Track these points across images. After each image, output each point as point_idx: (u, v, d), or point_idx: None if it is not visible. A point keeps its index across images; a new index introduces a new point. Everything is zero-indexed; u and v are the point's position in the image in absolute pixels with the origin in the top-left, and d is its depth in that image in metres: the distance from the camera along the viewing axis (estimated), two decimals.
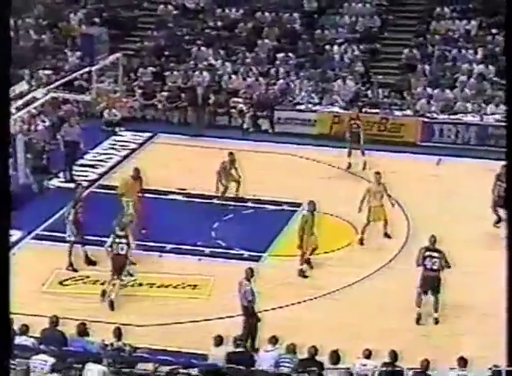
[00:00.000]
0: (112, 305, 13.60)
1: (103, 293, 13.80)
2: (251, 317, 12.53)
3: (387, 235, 16.08)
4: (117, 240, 13.87)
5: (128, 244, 13.86)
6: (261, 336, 12.37)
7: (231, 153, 17.44)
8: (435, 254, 13.42)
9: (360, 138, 19.38)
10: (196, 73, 24.06)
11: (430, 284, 13.41)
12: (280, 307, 13.63)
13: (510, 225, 6.22)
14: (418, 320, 13.44)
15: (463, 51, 24.08)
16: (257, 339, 12.41)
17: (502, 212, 15.66)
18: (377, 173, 16.16)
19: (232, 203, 17.50)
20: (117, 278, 13.78)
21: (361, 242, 15.92)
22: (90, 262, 14.86)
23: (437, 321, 13.43)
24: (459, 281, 14.18)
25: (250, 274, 12.67)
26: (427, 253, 13.48)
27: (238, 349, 11.09)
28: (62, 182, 18.64)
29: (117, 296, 13.78)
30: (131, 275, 14.38)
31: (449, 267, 13.54)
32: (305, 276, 14.73)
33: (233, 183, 17.37)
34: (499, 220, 15.97)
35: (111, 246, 13.88)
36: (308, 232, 14.72)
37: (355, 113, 20.33)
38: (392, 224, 16.38)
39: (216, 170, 17.36)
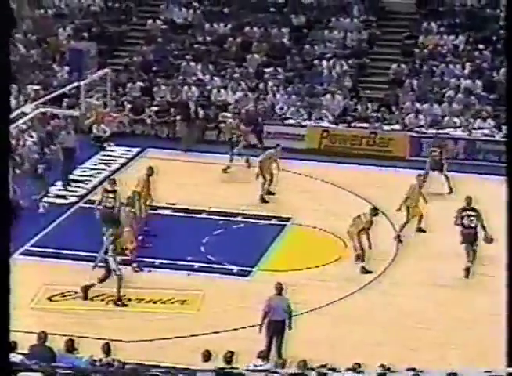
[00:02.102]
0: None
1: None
2: (281, 333, 12.43)
3: (421, 230, 16.66)
4: None
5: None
6: (251, 351, 12.36)
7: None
8: (472, 213, 15.03)
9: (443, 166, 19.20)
10: (185, 88, 24.14)
11: (469, 240, 14.90)
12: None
13: (510, 227, 6.44)
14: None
15: (451, 66, 24.26)
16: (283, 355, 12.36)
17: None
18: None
19: (222, 217, 17.52)
20: None
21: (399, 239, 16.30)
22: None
23: (468, 272, 14.83)
24: (445, 297, 14.24)
25: (280, 289, 12.64)
26: (464, 213, 15.07)
27: (228, 366, 11.08)
28: (59, 190, 18.69)
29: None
30: None
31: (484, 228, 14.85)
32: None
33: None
34: None
35: None
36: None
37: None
38: (381, 239, 16.45)
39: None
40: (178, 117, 22.64)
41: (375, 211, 15.74)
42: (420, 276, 15.27)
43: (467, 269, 15.06)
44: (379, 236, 16.52)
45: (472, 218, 15.06)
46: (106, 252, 14.17)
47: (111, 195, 15.95)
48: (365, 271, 15.38)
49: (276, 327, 12.45)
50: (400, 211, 16.58)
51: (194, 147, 21.58)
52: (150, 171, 16.70)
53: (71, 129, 19.95)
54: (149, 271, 15.33)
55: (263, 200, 18.14)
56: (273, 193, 18.49)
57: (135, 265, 15.16)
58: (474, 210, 15.19)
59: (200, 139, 22.64)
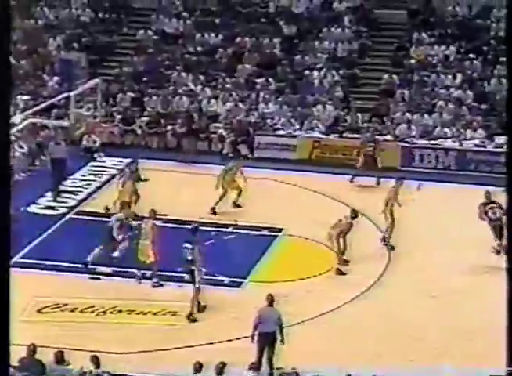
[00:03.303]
0: None
1: None
2: (272, 344, 12.41)
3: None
4: None
5: None
6: (243, 362, 12.33)
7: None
8: (494, 205, 15.78)
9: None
10: (176, 98, 24.15)
11: (498, 231, 15.59)
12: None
13: (510, 226, 6.68)
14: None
15: (442, 76, 24.36)
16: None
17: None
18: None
19: (213, 228, 17.51)
20: None
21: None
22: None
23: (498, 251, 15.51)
24: (439, 306, 14.25)
25: (271, 300, 12.65)
26: (487, 207, 15.86)
27: None
28: (49, 201, 18.65)
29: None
30: None
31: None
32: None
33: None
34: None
35: None
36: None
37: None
38: (372, 249, 16.46)
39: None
40: (183, 129, 22.50)
41: (354, 213, 15.90)
42: (413, 285, 15.28)
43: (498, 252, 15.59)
44: (372, 246, 16.54)
45: (495, 210, 15.77)
46: (192, 263, 14.07)
47: None
48: (340, 272, 15.60)
49: (267, 338, 12.42)
50: (384, 215, 16.72)
51: (197, 159, 21.52)
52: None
53: (61, 140, 19.89)
54: (140, 282, 15.27)
55: (214, 212, 17.94)
56: (240, 206, 18.35)
57: (155, 280, 15.14)
58: (494, 202, 15.85)
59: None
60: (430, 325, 13.98)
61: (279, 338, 12.44)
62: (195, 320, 14.03)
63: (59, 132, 22.43)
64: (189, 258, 14.28)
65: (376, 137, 21.11)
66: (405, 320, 14.17)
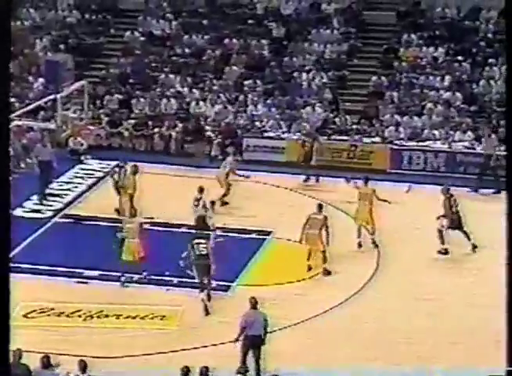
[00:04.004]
0: None
1: None
2: (259, 347, 12.43)
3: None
4: None
5: None
6: (230, 367, 12.32)
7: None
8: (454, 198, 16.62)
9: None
10: (164, 100, 24.13)
11: (457, 223, 16.54)
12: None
13: (510, 227, 6.71)
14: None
15: (431, 78, 24.45)
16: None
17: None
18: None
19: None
20: None
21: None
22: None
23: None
24: (429, 309, 14.31)
25: (255, 302, 12.69)
26: (452, 199, 16.62)
27: None
28: (35, 204, 18.59)
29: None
30: None
31: None
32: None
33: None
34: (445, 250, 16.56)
35: None
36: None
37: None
38: (363, 251, 16.50)
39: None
40: (219, 138, 22.42)
41: (320, 206, 16.10)
42: (403, 289, 15.32)
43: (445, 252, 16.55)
44: (359, 248, 16.57)
45: (457, 203, 16.66)
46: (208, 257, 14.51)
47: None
48: (327, 273, 15.69)
49: (254, 341, 12.42)
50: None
51: (204, 163, 21.52)
52: (135, 168, 17.54)
53: (47, 142, 19.84)
54: (127, 286, 15.25)
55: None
56: (227, 203, 18.66)
57: (145, 273, 15.29)
58: (453, 196, 16.72)
59: (179, 151, 22.62)
60: (421, 328, 14.01)
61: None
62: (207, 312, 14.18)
63: (45, 135, 22.39)
64: (204, 252, 14.52)
65: (316, 135, 21.24)
66: (395, 324, 14.19)
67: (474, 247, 16.55)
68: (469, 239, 16.54)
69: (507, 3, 7.02)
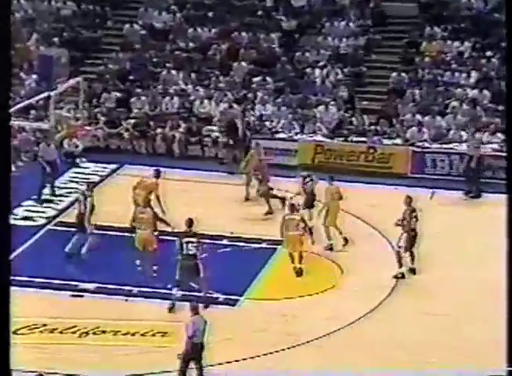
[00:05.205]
0: None
1: None
2: (201, 355, 12.55)
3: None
4: None
5: None
6: None
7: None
8: (415, 213, 16.08)
9: None
10: (166, 99, 24.16)
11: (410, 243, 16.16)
12: (257, 357, 13.55)
13: (510, 222, 7.09)
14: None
15: (456, 74, 24.40)
16: None
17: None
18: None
19: (206, 241, 17.47)
20: None
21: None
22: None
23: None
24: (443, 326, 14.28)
25: (196, 307, 12.83)
26: (414, 214, 16.08)
27: None
28: (26, 211, 18.69)
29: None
30: None
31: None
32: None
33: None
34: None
35: None
36: None
37: None
38: (383, 263, 16.45)
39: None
40: (225, 139, 22.39)
41: (293, 206, 16.40)
42: (417, 306, 15.24)
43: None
44: (381, 258, 16.52)
45: (416, 218, 16.09)
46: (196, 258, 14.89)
47: None
48: (300, 272, 16.00)
49: (198, 349, 12.55)
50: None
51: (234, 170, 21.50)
52: (157, 172, 17.79)
53: (51, 141, 20.08)
54: (126, 300, 15.27)
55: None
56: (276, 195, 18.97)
57: (155, 268, 15.56)
58: (415, 210, 16.16)
59: (183, 154, 22.64)
60: (437, 347, 13.93)
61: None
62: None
63: (37, 135, 22.44)
64: (192, 252, 14.69)
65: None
66: (411, 342, 14.13)
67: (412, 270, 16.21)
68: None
69: (508, 3, 7.15)
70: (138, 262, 15.94)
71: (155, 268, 15.63)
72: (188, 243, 14.79)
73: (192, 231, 15.09)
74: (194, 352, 12.51)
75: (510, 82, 6.93)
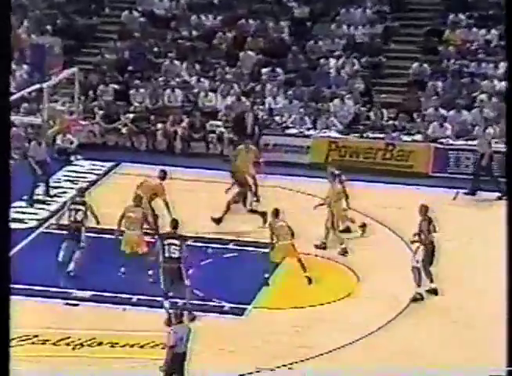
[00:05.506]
0: None
1: None
2: (182, 367, 12.56)
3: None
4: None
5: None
6: None
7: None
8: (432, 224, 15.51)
9: None
10: (167, 91, 24.18)
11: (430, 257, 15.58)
12: (264, 371, 13.55)
13: (510, 223, 7.26)
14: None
15: (483, 65, 24.36)
16: None
17: None
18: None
19: (211, 245, 17.48)
20: None
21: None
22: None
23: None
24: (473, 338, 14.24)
25: (181, 315, 12.88)
26: (431, 225, 15.51)
27: None
28: (16, 212, 18.72)
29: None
30: None
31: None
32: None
33: None
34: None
35: None
36: None
37: None
38: (402, 270, 16.41)
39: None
40: (231, 135, 22.46)
41: (277, 212, 16.34)
42: (443, 315, 15.21)
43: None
44: (400, 270, 16.49)
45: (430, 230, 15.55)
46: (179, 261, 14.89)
47: None
48: (309, 281, 16.00)
49: (181, 360, 12.57)
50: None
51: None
52: (163, 174, 17.68)
53: (42, 139, 20.07)
54: (124, 309, 15.29)
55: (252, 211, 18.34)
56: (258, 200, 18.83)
57: (150, 272, 15.55)
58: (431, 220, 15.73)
59: (186, 151, 22.69)
60: (463, 362, 13.91)
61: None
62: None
63: (29, 131, 22.48)
64: (176, 255, 14.70)
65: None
66: (434, 357, 14.10)
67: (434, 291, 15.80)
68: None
69: (508, 3, 7.26)
70: (122, 269, 15.92)
71: (150, 272, 15.63)
72: (170, 245, 14.79)
73: (177, 233, 15.11)
74: (175, 363, 12.54)
75: (510, 82, 7.06)
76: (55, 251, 16.45)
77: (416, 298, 15.52)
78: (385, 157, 22.11)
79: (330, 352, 14.12)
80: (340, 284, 16.26)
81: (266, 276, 16.06)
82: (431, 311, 15.49)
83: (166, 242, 14.88)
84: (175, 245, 14.78)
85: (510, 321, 7.22)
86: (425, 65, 24.52)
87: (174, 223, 15.28)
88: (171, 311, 14.42)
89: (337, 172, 17.92)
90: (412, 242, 15.83)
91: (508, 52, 7.00)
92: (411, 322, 15.11)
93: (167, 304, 14.82)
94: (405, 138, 22.54)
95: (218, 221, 18.08)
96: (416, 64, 24.55)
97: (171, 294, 14.90)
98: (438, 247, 15.85)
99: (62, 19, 26.63)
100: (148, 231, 16.55)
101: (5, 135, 6.55)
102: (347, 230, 17.90)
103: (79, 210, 16.26)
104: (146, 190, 17.62)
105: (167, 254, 14.78)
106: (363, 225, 17.90)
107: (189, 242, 17.47)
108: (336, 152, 22.26)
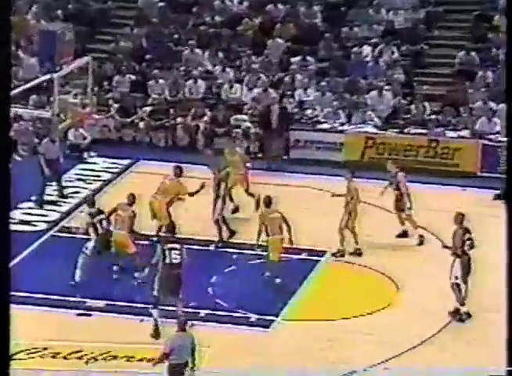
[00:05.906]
0: None
1: None
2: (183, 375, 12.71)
3: None
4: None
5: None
6: None
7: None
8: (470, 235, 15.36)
9: None
10: (189, 82, 24.28)
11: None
12: None
13: (510, 223, 7.71)
14: None
15: None
16: None
17: None
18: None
19: (236, 250, 17.56)
20: None
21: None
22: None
23: None
24: None
25: (184, 323, 12.97)
26: (466, 236, 15.33)
27: None
28: (24, 214, 18.93)
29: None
30: None
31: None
32: None
33: None
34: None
35: None
36: None
37: None
38: (446, 278, 16.42)
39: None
40: (258, 130, 22.60)
41: (270, 200, 16.56)
42: (489, 330, 15.21)
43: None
44: (443, 279, 16.50)
45: (470, 241, 15.45)
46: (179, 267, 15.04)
47: None
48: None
49: (179, 370, 12.65)
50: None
51: (275, 166, 21.74)
52: (178, 170, 17.81)
53: (56, 136, 20.20)
54: (142, 320, 15.36)
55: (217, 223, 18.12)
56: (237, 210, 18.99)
57: (137, 275, 16.00)
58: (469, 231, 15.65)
59: (208, 147, 22.76)
60: None
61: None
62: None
63: (37, 125, 22.64)
64: (177, 261, 14.80)
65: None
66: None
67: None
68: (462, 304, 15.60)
69: (508, 3, 7.45)
70: (115, 267, 16.29)
71: (137, 275, 15.94)
72: (171, 250, 14.83)
73: (176, 237, 15.25)
74: (173, 374, 12.67)
75: (509, 82, 7.11)
76: (66, 257, 16.57)
77: (462, 319, 15.45)
78: (428, 154, 22.09)
79: (369, 368, 14.17)
80: (377, 294, 16.27)
81: (278, 281, 16.18)
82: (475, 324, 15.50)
83: (166, 247, 14.88)
84: (176, 250, 14.86)
85: (510, 321, 7.56)
86: (473, 53, 24.44)
87: (173, 227, 15.51)
88: (159, 321, 14.57)
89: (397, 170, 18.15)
90: (444, 247, 16.04)
91: (508, 51, 7.03)
92: (455, 337, 15.12)
93: (155, 313, 14.84)
94: (451, 134, 22.50)
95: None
96: (462, 53, 24.48)
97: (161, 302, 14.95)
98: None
99: (73, 3, 26.77)
100: (135, 231, 16.64)
101: (5, 133, 6.57)
102: (404, 235, 18.09)
103: (102, 219, 16.45)
104: (163, 194, 17.69)
105: (167, 261, 14.79)
106: (422, 236, 18.00)
107: (211, 247, 17.68)
108: (372, 149, 22.26)
